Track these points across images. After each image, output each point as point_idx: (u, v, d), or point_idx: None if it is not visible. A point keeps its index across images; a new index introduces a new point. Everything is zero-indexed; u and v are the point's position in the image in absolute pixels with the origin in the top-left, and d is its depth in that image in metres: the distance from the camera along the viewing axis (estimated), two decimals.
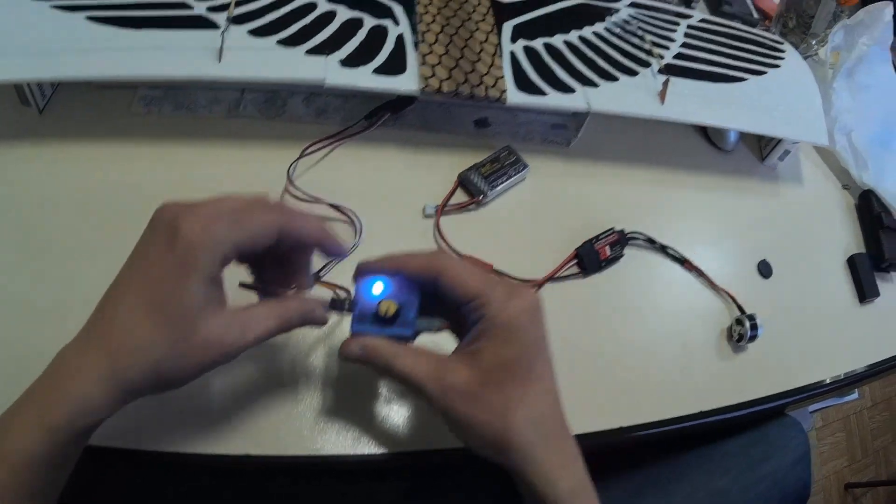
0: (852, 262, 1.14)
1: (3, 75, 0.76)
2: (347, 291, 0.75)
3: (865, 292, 1.11)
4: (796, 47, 1.44)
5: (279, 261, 0.61)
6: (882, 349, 1.07)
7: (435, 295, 0.60)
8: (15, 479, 0.49)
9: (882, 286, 1.14)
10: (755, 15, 1.54)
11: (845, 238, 1.19)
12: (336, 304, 0.61)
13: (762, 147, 1.21)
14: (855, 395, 1.78)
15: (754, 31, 1.25)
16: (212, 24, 0.82)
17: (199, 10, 0.84)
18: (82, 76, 0.77)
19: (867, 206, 1.22)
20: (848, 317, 1.08)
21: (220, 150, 0.89)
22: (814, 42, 1.43)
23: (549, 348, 0.60)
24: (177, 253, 0.50)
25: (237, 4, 0.85)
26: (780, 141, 1.16)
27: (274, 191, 0.85)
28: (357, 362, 0.59)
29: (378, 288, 0.60)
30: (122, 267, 0.53)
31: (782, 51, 1.23)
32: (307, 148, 0.89)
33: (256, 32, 0.83)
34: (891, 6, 1.33)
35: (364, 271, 0.61)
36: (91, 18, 0.80)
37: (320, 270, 0.78)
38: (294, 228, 0.56)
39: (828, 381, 0.97)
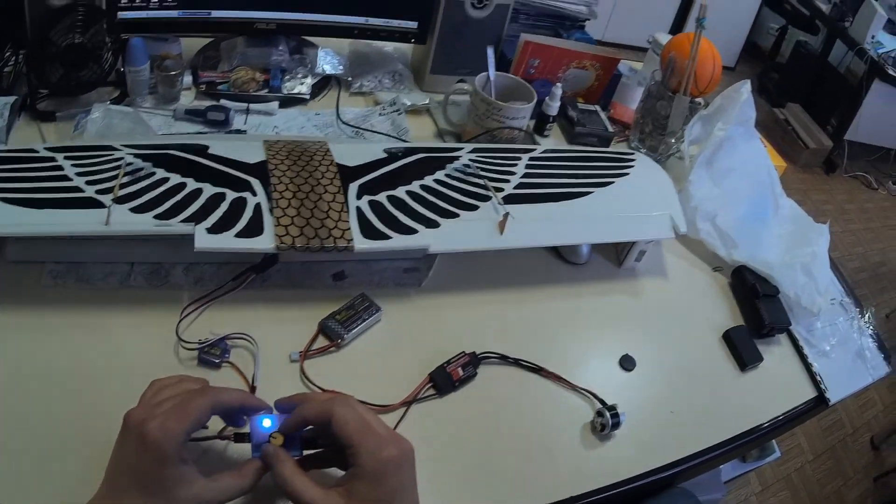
0: (727, 336, 1.21)
1: None
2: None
3: (745, 361, 1.18)
4: (655, 150, 1.54)
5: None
6: (771, 408, 1.14)
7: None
8: None
9: (768, 350, 1.22)
10: (610, 129, 1.62)
11: (720, 316, 1.26)
12: (238, 438, 0.78)
13: (619, 252, 1.29)
14: (777, 454, 1.80)
15: (598, 149, 1.34)
16: (100, 204, 0.94)
17: (90, 192, 0.96)
18: None
19: (741, 280, 1.30)
20: (730, 386, 1.15)
21: (116, 317, 0.99)
22: (672, 141, 1.52)
23: (412, 491, 0.73)
24: (149, 451, 0.66)
25: (121, 188, 0.97)
26: (634, 244, 1.24)
27: (167, 347, 0.96)
28: (267, 463, 0.74)
29: (267, 423, 0.76)
30: (112, 460, 0.70)
31: (631, 159, 1.31)
32: (184, 310, 1.00)
33: (136, 210, 0.95)
34: (748, 83, 1.41)
35: (264, 417, 0.77)
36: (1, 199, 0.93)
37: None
38: (220, 404, 0.74)
39: (701, 449, 1.04)
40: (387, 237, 1.01)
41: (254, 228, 0.97)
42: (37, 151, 1.02)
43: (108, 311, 0.99)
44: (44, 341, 0.93)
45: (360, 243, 0.99)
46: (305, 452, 0.77)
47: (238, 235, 0.95)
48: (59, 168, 0.99)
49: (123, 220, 0.93)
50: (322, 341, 1.02)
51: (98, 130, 1.26)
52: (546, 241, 1.14)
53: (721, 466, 1.73)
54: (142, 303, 1.01)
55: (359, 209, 1.04)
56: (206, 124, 1.39)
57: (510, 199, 1.12)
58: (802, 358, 1.24)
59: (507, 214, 1.08)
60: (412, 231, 1.03)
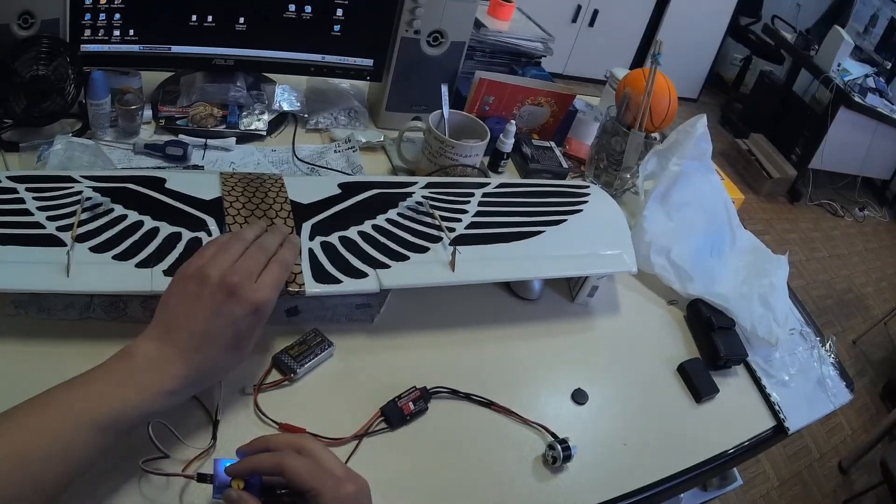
0: (682, 368, 1.23)
1: None
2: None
3: (700, 393, 1.19)
4: (610, 185, 1.55)
5: None
6: (727, 438, 1.16)
7: None
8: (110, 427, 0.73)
9: (724, 382, 1.24)
10: (565, 165, 1.65)
11: (675, 349, 1.28)
12: (201, 478, 0.80)
13: (571, 288, 1.30)
14: (738, 482, 1.80)
15: (555, 182, 1.35)
16: (61, 242, 0.95)
17: (51, 229, 0.97)
18: None
19: (696, 314, 1.31)
20: (685, 418, 1.17)
21: (75, 348, 0.99)
22: (628, 176, 1.54)
23: None
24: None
25: (80, 224, 0.98)
26: (586, 279, 1.26)
27: None
28: None
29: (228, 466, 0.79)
30: (193, 310, 0.82)
31: (585, 193, 1.33)
32: None
33: (95, 249, 0.97)
34: (704, 118, 1.43)
35: (229, 468, 0.79)
36: None
37: None
38: (289, 267, 0.94)
39: (656, 480, 1.06)
40: (338, 281, 1.02)
41: None
42: None
43: (68, 342, 0.99)
44: (4, 368, 0.94)
45: (312, 287, 1.00)
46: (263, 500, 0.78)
47: None
48: (21, 201, 1.00)
49: (84, 259, 0.95)
50: (275, 375, 1.03)
51: (60, 163, 1.27)
52: (496, 277, 1.15)
53: (682, 496, 1.73)
54: (100, 335, 1.01)
55: (311, 251, 1.05)
56: (164, 159, 1.40)
57: (462, 240, 1.14)
58: (760, 388, 1.26)
59: (454, 251, 1.10)
60: (363, 275, 1.04)
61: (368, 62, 1.59)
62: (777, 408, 1.22)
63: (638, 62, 5.61)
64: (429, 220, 1.16)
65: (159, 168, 1.38)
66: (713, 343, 1.26)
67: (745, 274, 1.42)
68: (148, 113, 1.50)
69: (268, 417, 0.96)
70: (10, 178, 1.04)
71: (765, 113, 5.63)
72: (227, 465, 0.78)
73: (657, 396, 1.18)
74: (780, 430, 1.21)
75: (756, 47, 6.10)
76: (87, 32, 1.36)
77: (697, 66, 6.10)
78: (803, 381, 1.32)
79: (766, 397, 1.25)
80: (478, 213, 1.21)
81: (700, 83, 6.25)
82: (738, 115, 5.92)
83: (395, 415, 1.00)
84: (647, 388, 1.19)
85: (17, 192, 1.02)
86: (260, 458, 0.77)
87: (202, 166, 1.41)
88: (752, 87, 6.14)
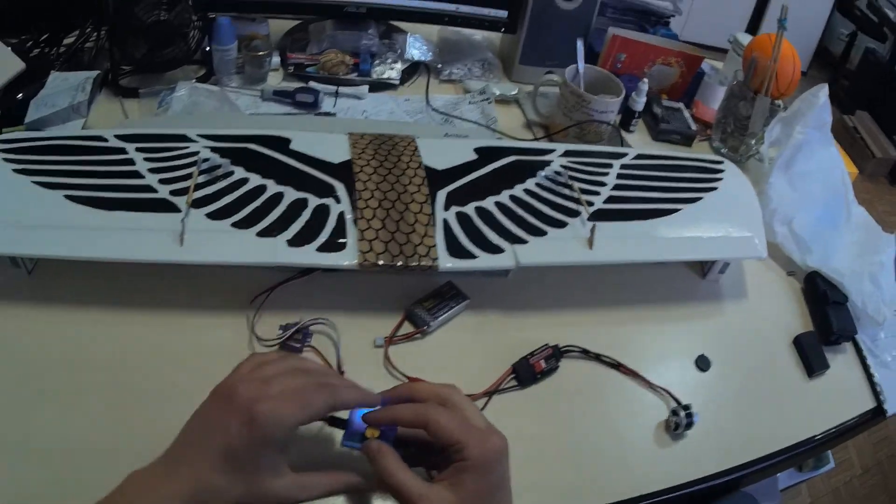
0: (798, 341, 1.20)
1: None
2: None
3: (813, 367, 1.17)
4: (736, 151, 1.54)
5: None
6: (833, 416, 1.13)
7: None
8: None
9: (834, 358, 1.21)
10: (693, 127, 1.63)
11: (792, 321, 1.25)
12: (334, 422, 0.77)
13: (703, 264, 1.28)
14: (831, 465, 1.79)
15: (691, 156, 1.31)
16: (174, 208, 0.92)
17: (163, 193, 0.94)
18: (59, 255, 0.89)
19: (813, 286, 1.29)
20: (797, 392, 1.14)
21: (199, 296, 1.00)
22: (753, 142, 1.53)
23: (509, 482, 0.74)
24: (254, 433, 0.64)
25: (196, 188, 0.95)
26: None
27: (241, 335, 0.97)
28: (371, 457, 0.73)
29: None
30: (194, 428, 0.68)
31: (720, 170, 1.28)
32: (255, 298, 1.00)
33: (213, 216, 0.93)
34: (825, 87, 1.40)
35: (368, 415, 0.75)
36: (69, 197, 0.91)
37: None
38: (340, 403, 0.72)
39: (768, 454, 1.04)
40: (473, 256, 0.99)
41: (336, 241, 0.95)
42: (106, 140, 1.00)
43: (189, 288, 1.00)
44: (119, 316, 0.95)
45: (445, 262, 0.97)
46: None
47: (320, 249, 0.93)
48: (131, 162, 0.98)
49: (200, 226, 0.92)
50: (407, 328, 1.02)
51: (184, 108, 1.28)
52: (634, 258, 1.11)
53: (778, 475, 1.73)
54: (225, 280, 1.02)
55: (445, 222, 1.02)
56: (294, 105, 1.40)
57: (599, 215, 1.10)
58: (865, 368, 1.23)
59: (594, 228, 1.06)
60: (498, 249, 1.01)
61: (502, 13, 1.57)
62: (879, 388, 1.20)
63: (752, 30, 5.48)
64: (567, 191, 1.13)
65: (289, 115, 1.38)
66: (827, 317, 1.23)
67: (858, 250, 1.38)
68: (276, 60, 1.50)
69: (398, 371, 0.96)
70: (119, 137, 1.01)
71: (869, 91, 5.47)
72: (365, 412, 0.75)
73: (773, 368, 1.16)
74: (878, 412, 1.18)
75: (861, 23, 5.90)
76: None
77: (806, 40, 5.91)
78: None
79: (869, 377, 1.21)
80: (616, 187, 1.17)
81: (809, 56, 6.06)
82: (845, 92, 5.75)
83: (525, 372, 1.00)
84: (764, 358, 1.17)
85: (127, 153, 0.99)
86: (403, 407, 0.74)
87: (334, 114, 1.41)
88: (856, 63, 5.97)
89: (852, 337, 1.25)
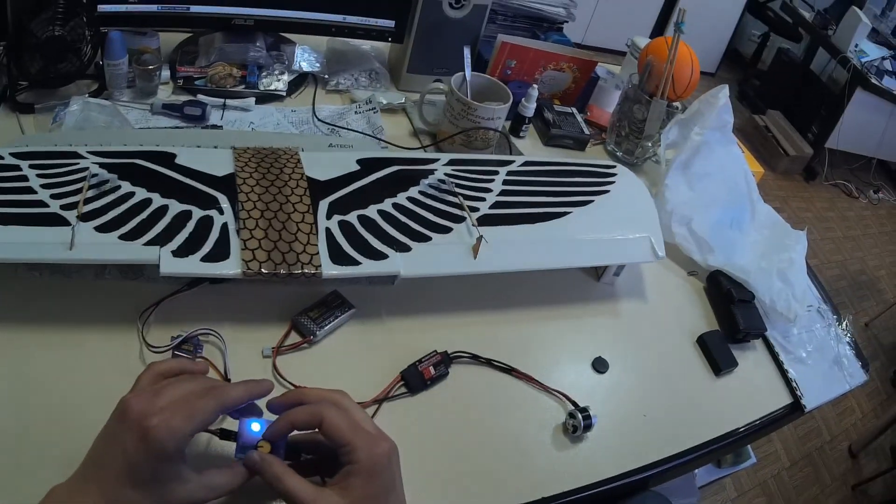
0: (702, 340, 1.22)
1: None
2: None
3: (720, 365, 1.18)
4: (632, 154, 1.54)
5: None
6: (745, 413, 1.15)
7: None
8: None
9: (743, 356, 1.23)
10: (587, 132, 1.63)
11: (695, 321, 1.27)
12: (224, 435, 0.77)
13: (597, 268, 1.27)
14: (752, 460, 1.80)
15: (580, 161, 1.32)
16: (65, 221, 0.92)
17: (55, 208, 0.94)
18: None
19: (716, 285, 1.30)
20: (704, 390, 1.16)
21: (91, 310, 0.98)
22: (649, 144, 1.53)
23: (401, 486, 0.76)
24: (150, 447, 0.65)
25: (85, 203, 0.95)
26: None
27: (132, 347, 0.96)
28: (254, 469, 0.74)
29: (256, 427, 0.76)
30: (99, 445, 0.70)
31: (612, 174, 1.30)
32: (145, 312, 0.99)
33: (101, 229, 0.93)
34: (726, 88, 1.42)
35: (252, 421, 0.77)
36: None
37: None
38: (229, 404, 0.73)
39: (675, 453, 1.05)
40: (356, 262, 0.99)
41: (220, 252, 0.95)
42: (2, 158, 1.00)
43: (82, 304, 0.99)
44: (14, 333, 0.93)
45: (329, 269, 0.97)
46: (287, 463, 0.76)
47: (204, 259, 0.94)
48: (24, 178, 0.98)
49: (89, 240, 0.91)
50: (294, 337, 1.02)
51: (76, 123, 1.26)
52: (521, 266, 1.11)
53: (696, 471, 1.73)
54: (115, 296, 1.00)
55: (328, 230, 1.02)
56: (183, 119, 1.39)
57: (486, 220, 1.11)
58: (778, 364, 1.25)
59: (480, 238, 1.06)
60: (382, 256, 1.02)
61: (390, 23, 1.57)
62: (794, 384, 1.21)
63: (657, 34, 5.57)
64: (451, 198, 1.14)
65: (177, 128, 1.37)
66: (733, 315, 1.24)
67: (765, 248, 1.41)
68: (166, 73, 1.49)
69: (286, 380, 0.95)
70: (14, 155, 1.01)
71: (782, 90, 5.58)
72: (255, 424, 0.76)
73: (677, 368, 1.17)
74: (796, 407, 1.20)
75: (774, 24, 6.04)
76: None
77: (716, 41, 6.05)
78: (820, 358, 1.31)
79: (783, 373, 1.23)
80: (502, 193, 1.18)
81: (718, 58, 6.21)
82: (756, 92, 5.87)
83: (415, 379, 1.00)
84: (666, 358, 1.18)
85: (21, 170, 0.99)
86: (296, 411, 0.75)
87: (221, 126, 1.40)
88: (769, 63, 6.09)
89: (762, 334, 1.27)
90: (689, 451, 1.06)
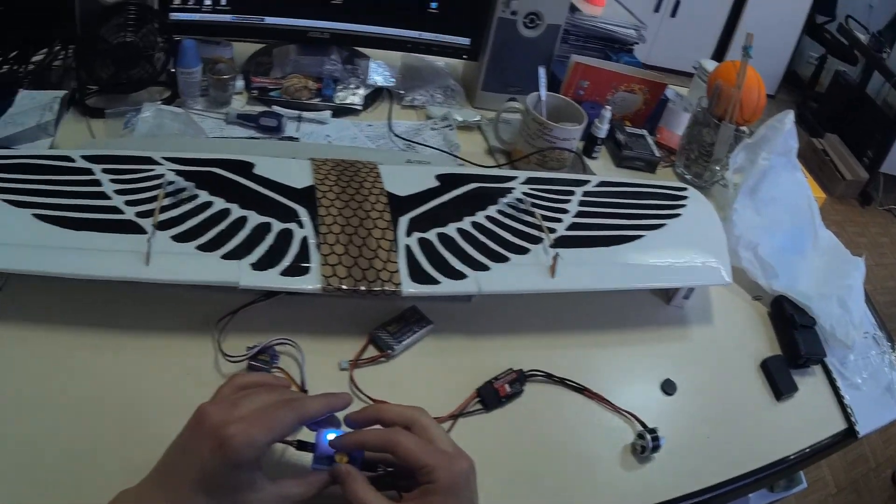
0: (765, 365, 1.21)
1: None
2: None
3: (781, 390, 1.17)
4: (700, 177, 1.54)
5: None
6: (803, 438, 1.14)
7: None
8: None
9: (802, 381, 1.22)
10: (657, 154, 1.63)
11: (759, 345, 1.26)
12: (302, 446, 0.77)
13: (668, 290, 1.27)
14: (803, 485, 1.79)
15: (654, 183, 1.32)
16: (140, 229, 0.92)
17: (129, 215, 0.94)
18: (27, 270, 0.88)
19: (780, 310, 1.30)
20: (765, 414, 1.15)
21: (166, 318, 1.00)
22: (717, 168, 1.53)
23: (477, 501, 0.75)
24: (227, 456, 0.65)
25: (162, 211, 0.95)
26: None
27: (207, 356, 0.97)
28: (338, 480, 0.73)
29: (333, 437, 0.76)
30: (173, 451, 0.70)
31: (684, 197, 1.30)
32: (220, 321, 1.00)
33: (178, 238, 0.93)
34: (791, 113, 1.41)
35: (336, 441, 0.76)
36: (37, 216, 0.91)
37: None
38: (308, 416, 0.73)
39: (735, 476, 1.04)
40: (435, 281, 0.99)
41: (300, 267, 0.96)
42: (73, 161, 1.01)
43: (157, 311, 1.00)
44: (89, 339, 0.95)
45: (408, 287, 0.97)
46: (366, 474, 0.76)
47: (284, 273, 0.94)
48: (97, 183, 0.98)
49: (165, 249, 0.92)
50: (372, 351, 1.02)
51: (149, 130, 1.28)
52: (596, 286, 1.11)
53: (750, 495, 1.72)
54: (191, 304, 1.02)
55: (408, 248, 1.02)
56: (258, 129, 1.40)
57: (562, 242, 1.11)
58: (835, 389, 1.24)
59: (556, 256, 1.07)
60: (461, 276, 1.01)
61: (465, 41, 1.58)
62: (849, 410, 1.20)
63: (718, 55, 5.55)
64: (529, 218, 1.14)
65: (252, 139, 1.38)
66: (795, 341, 1.23)
67: (825, 274, 1.40)
68: (240, 83, 1.51)
69: (363, 393, 0.96)
70: (86, 158, 1.01)
71: (839, 113, 5.51)
72: (331, 435, 0.76)
73: (740, 391, 1.17)
74: (850, 433, 1.19)
75: (831, 46, 5.96)
76: (177, 1, 1.38)
77: (774, 63, 5.99)
78: (873, 385, 1.29)
79: (839, 399, 1.22)
80: (578, 214, 1.18)
81: (777, 80, 6.13)
82: (814, 115, 5.80)
83: (490, 396, 1.00)
84: (731, 382, 1.18)
85: (93, 174, 0.99)
86: (369, 433, 0.75)
87: (297, 138, 1.41)
88: (826, 86, 6.03)
89: (821, 360, 1.26)
90: (749, 474, 1.05)
